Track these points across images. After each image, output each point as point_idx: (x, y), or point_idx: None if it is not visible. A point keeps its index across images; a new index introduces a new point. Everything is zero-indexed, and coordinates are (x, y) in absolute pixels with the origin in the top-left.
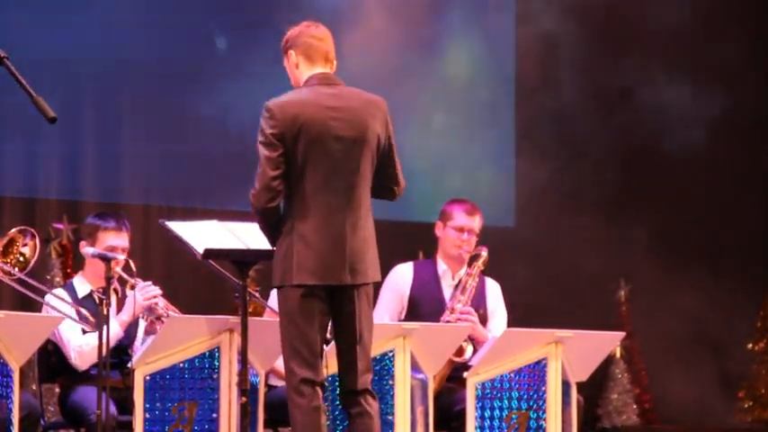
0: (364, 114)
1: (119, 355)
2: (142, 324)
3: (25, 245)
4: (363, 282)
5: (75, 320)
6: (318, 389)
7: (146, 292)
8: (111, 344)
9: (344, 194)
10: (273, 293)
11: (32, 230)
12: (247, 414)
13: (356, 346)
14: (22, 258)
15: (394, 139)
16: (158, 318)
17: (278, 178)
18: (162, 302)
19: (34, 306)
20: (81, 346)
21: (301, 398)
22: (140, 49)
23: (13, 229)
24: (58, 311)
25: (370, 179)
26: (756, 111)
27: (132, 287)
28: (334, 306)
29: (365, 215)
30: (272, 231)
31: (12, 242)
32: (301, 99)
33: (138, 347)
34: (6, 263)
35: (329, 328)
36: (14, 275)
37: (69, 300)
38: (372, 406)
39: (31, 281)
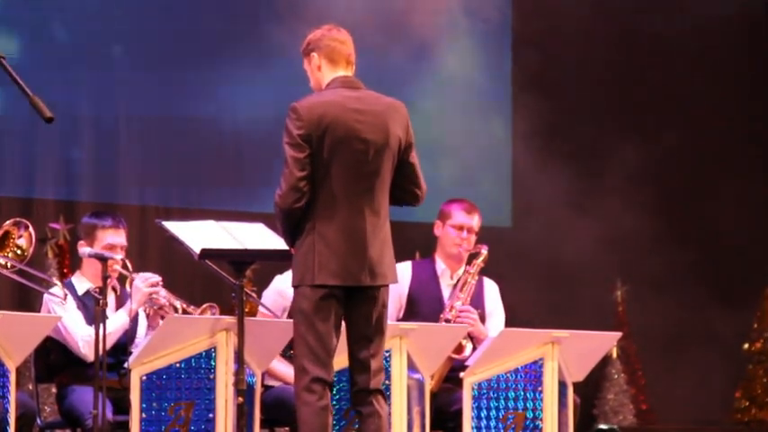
0: (387, 118)
1: (116, 355)
2: (142, 324)
3: (21, 236)
4: (382, 283)
5: (58, 297)
6: (328, 389)
7: (145, 280)
8: (119, 334)
9: (366, 196)
10: (266, 293)
11: (26, 222)
12: (244, 414)
13: (371, 346)
14: (19, 251)
15: (414, 144)
16: (160, 308)
17: (305, 179)
18: (163, 291)
19: (32, 306)
20: (90, 335)
21: (311, 396)
22: (138, 50)
23: (7, 222)
24: (57, 296)
25: (389, 182)
26: None
27: (132, 283)
28: (351, 306)
29: (384, 217)
30: (292, 232)
31: (7, 235)
32: (326, 100)
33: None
34: (5, 256)
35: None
36: (14, 267)
37: (68, 293)
38: (383, 407)
39: (31, 270)
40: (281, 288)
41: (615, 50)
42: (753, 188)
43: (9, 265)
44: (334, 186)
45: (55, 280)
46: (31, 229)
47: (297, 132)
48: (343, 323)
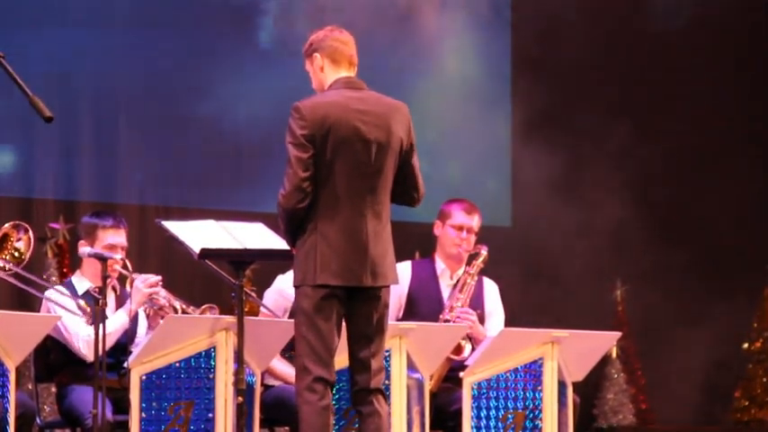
0: (389, 119)
1: (116, 355)
2: (142, 324)
3: (19, 239)
4: (384, 284)
5: (76, 314)
6: (329, 388)
7: (145, 280)
8: (119, 334)
9: (368, 197)
10: (267, 294)
11: (26, 225)
12: (243, 414)
13: (371, 345)
14: (17, 254)
15: (415, 145)
16: (160, 308)
17: (308, 179)
18: (163, 292)
19: (31, 305)
20: (90, 335)
21: (313, 395)
22: (137, 50)
23: (7, 225)
24: (58, 304)
25: (391, 183)
26: None
27: (132, 283)
28: (352, 306)
29: (386, 218)
30: (294, 232)
31: (6, 238)
32: (329, 101)
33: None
34: (2, 258)
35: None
36: (11, 270)
37: (68, 293)
38: (383, 407)
39: (28, 275)
40: (283, 288)
41: (616, 51)
42: (753, 188)
43: (7, 267)
44: (336, 186)
45: (58, 287)
46: (30, 233)
47: (300, 132)
48: (344, 322)
